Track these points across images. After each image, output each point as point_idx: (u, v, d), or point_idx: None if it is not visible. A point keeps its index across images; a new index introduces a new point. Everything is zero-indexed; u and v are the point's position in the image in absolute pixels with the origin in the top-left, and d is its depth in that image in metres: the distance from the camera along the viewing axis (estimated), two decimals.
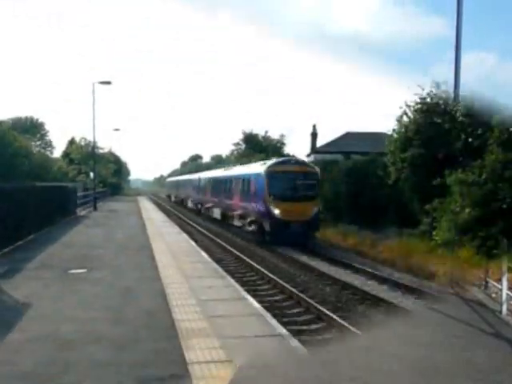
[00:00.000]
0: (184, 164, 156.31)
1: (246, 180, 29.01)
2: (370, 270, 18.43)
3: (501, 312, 12.01)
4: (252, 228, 27.06)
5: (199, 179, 48.56)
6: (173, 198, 79.62)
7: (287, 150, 73.46)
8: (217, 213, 37.31)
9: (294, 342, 8.50)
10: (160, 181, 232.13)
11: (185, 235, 25.52)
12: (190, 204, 55.80)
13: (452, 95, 28.24)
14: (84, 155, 66.92)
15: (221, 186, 36.30)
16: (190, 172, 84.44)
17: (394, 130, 29.91)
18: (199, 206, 47.89)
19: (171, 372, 7.01)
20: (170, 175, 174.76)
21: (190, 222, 39.13)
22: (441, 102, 27.92)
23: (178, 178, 79.54)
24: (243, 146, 75.19)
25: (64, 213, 32.74)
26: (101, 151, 73.45)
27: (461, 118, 26.32)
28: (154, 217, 37.97)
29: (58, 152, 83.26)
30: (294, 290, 15.05)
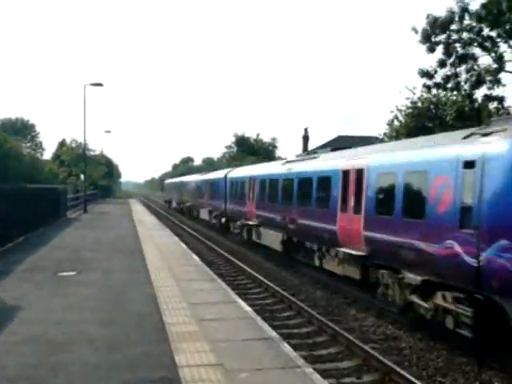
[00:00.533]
0: (175, 166, 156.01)
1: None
2: None
3: None
4: None
5: (238, 180, 28.32)
6: (174, 204, 62.34)
7: (279, 152, 73.78)
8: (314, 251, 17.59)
9: None
10: (151, 183, 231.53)
11: (175, 238, 25.45)
12: (204, 215, 38.27)
13: (442, 99, 28.43)
14: (75, 157, 66.62)
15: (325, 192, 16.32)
16: (191, 172, 71.62)
17: (385, 134, 30.04)
18: (223, 220, 31.45)
19: (161, 375, 6.99)
20: (162, 177, 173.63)
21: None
22: (432, 106, 28.11)
23: (185, 178, 56.21)
24: (235, 149, 75.33)
25: (54, 215, 32.55)
26: (92, 153, 73.19)
27: (451, 122, 26.50)
28: (145, 219, 37.83)
29: (48, 154, 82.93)
30: None
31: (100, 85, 40.71)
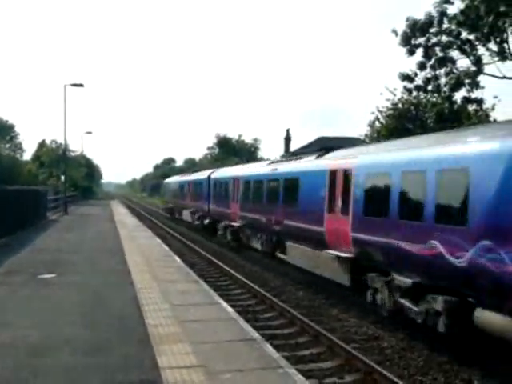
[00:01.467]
0: (157, 167, 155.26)
1: None
2: None
3: None
4: None
5: None
6: (187, 217, 38.88)
7: (261, 153, 73.90)
8: None
9: None
10: (133, 184, 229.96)
11: (157, 240, 25.33)
12: (323, 268, 15.13)
13: (422, 101, 28.72)
14: (55, 158, 65.91)
15: None
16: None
17: (366, 136, 30.26)
18: None
19: (142, 377, 6.95)
20: (144, 178, 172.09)
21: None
22: (412, 107, 28.40)
23: (232, 171, 28.07)
24: (217, 150, 75.23)
25: (34, 217, 32.16)
26: (72, 154, 72.47)
27: (431, 124, 26.80)
28: (126, 221, 37.57)
29: (28, 155, 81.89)
30: None
31: (80, 85, 40.42)
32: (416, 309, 10.55)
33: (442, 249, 9.64)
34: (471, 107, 27.88)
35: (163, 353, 7.91)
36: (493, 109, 27.70)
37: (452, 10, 26.88)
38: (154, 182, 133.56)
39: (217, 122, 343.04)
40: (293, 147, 49.49)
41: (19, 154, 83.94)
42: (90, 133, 68.42)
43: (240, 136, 77.00)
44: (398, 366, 9.67)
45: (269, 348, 8.50)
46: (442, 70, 27.84)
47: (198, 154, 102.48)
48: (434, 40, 27.53)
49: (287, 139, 49.97)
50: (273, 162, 22.43)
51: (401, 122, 27.80)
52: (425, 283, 10.44)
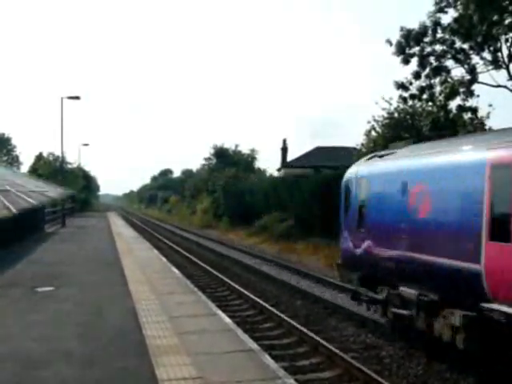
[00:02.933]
0: (154, 178, 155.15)
1: None
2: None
3: None
4: None
5: None
6: None
7: (258, 164, 73.84)
8: None
9: None
10: (130, 196, 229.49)
11: (155, 251, 25.29)
12: None
13: (418, 109, 28.84)
14: (52, 171, 65.86)
15: None
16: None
17: (362, 145, 30.32)
18: None
19: None
20: (141, 190, 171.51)
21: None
22: (408, 116, 28.49)
23: None
24: (214, 161, 75.09)
25: (33, 229, 32.12)
26: (69, 166, 72.45)
27: (427, 133, 26.88)
28: (123, 232, 37.51)
29: (25, 167, 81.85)
30: None
31: (77, 98, 40.51)
32: None
33: None
34: (466, 116, 27.96)
35: (161, 364, 7.89)
36: (488, 117, 27.81)
37: (446, 19, 27.10)
38: (151, 193, 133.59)
39: (213, 133, 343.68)
40: (291, 157, 49.64)
41: (16, 166, 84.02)
42: (86, 145, 68.49)
43: (237, 146, 76.78)
44: (396, 376, 9.66)
45: (267, 358, 8.48)
46: (437, 79, 28.01)
47: (195, 164, 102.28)
48: (428, 49, 27.71)
49: (284, 149, 50.05)
50: None
51: (397, 131, 27.83)
52: None
